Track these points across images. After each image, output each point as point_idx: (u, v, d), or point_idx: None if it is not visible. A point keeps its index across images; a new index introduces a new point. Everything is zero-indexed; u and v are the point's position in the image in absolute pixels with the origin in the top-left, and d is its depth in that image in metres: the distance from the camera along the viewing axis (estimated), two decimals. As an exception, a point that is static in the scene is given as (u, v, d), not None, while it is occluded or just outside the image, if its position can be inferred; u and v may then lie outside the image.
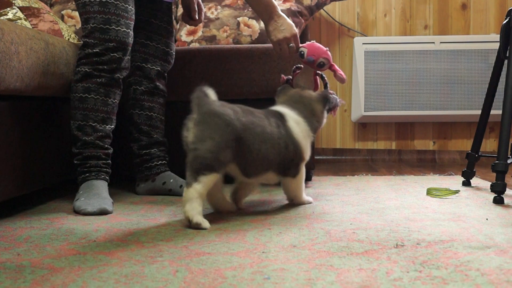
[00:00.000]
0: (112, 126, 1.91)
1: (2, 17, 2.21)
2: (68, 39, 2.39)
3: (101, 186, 1.83)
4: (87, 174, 1.86)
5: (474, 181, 2.38)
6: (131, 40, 1.87)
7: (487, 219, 1.59)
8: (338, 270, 1.10)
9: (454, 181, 2.42)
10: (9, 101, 1.68)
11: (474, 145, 2.25)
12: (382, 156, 3.45)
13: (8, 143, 1.65)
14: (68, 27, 2.60)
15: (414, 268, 1.11)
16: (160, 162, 2.09)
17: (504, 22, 2.05)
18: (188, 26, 2.99)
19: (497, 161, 1.89)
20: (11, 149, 1.67)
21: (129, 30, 1.85)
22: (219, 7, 3.02)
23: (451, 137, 3.46)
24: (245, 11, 2.98)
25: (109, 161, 1.91)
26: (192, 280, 1.05)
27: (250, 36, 2.91)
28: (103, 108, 1.85)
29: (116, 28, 1.82)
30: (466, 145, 3.45)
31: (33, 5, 2.36)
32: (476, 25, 3.43)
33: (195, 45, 2.91)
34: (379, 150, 3.46)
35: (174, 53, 2.16)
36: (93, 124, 1.85)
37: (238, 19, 2.96)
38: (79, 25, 2.97)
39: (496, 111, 3.13)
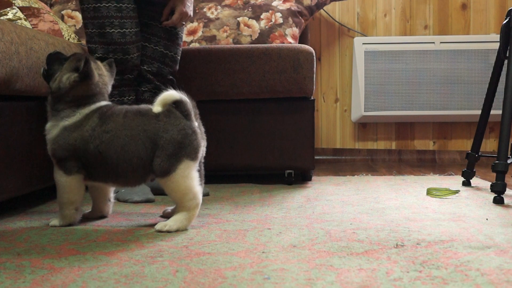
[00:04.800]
0: None
1: (2, 17, 2.21)
2: (68, 39, 2.39)
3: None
4: None
5: (474, 181, 2.38)
6: (130, 38, 1.90)
7: (487, 219, 1.59)
8: (338, 270, 1.10)
9: (454, 181, 2.42)
10: (9, 101, 1.67)
11: (474, 145, 2.25)
12: (382, 156, 3.45)
13: (8, 143, 1.65)
14: (68, 27, 2.59)
15: (414, 268, 1.11)
16: None
17: (504, 22, 2.05)
18: (188, 26, 2.99)
19: (497, 161, 1.89)
20: (11, 149, 1.67)
21: (124, 29, 1.88)
22: (219, 7, 3.02)
23: (451, 137, 3.46)
24: (245, 11, 2.98)
25: None
26: (192, 280, 1.05)
27: (250, 36, 2.91)
28: None
29: (111, 31, 1.87)
30: (466, 145, 3.45)
31: (33, 5, 2.36)
32: (476, 25, 3.43)
33: (195, 45, 2.91)
34: (379, 150, 3.46)
35: (176, 56, 2.11)
36: None
37: (238, 19, 2.96)
38: (79, 25, 2.97)
39: (496, 111, 3.13)
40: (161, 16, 2.06)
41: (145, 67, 2.07)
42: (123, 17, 1.89)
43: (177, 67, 2.14)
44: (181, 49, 2.15)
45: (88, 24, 1.91)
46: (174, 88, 2.09)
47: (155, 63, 2.08)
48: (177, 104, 1.49)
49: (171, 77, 2.12)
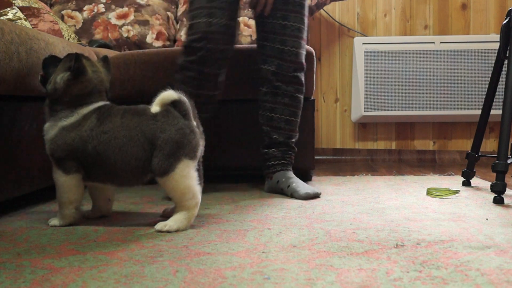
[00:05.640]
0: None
1: (2, 17, 2.21)
2: (68, 39, 2.39)
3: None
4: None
5: (474, 181, 2.38)
6: (216, 28, 1.91)
7: (487, 219, 1.59)
8: (338, 270, 1.10)
9: (454, 181, 2.42)
10: (9, 101, 1.68)
11: (474, 145, 2.25)
12: (382, 156, 3.45)
13: (8, 143, 1.65)
14: (68, 27, 2.60)
15: (414, 268, 1.11)
16: (276, 162, 2.11)
17: (504, 22, 2.05)
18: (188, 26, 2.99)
19: (497, 161, 1.89)
20: (11, 149, 1.67)
21: (212, 18, 1.90)
22: (219, 7, 3.02)
23: (451, 137, 3.46)
24: (245, 11, 2.98)
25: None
26: (192, 280, 1.05)
27: (250, 36, 2.91)
28: (195, 99, 1.87)
29: (198, 21, 1.92)
30: (466, 145, 3.45)
31: (33, 5, 2.36)
32: (476, 25, 3.43)
33: (195, 45, 2.91)
34: (379, 150, 3.46)
35: (295, 49, 2.04)
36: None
37: (238, 19, 2.96)
38: (79, 25, 2.97)
39: (496, 111, 3.13)
40: (275, 10, 2.01)
41: (265, 66, 2.05)
42: (213, 7, 1.90)
43: (302, 61, 2.07)
44: (303, 42, 2.06)
45: (187, 21, 1.97)
46: (301, 86, 2.07)
47: (275, 60, 2.03)
48: (175, 104, 1.49)
49: (295, 73, 2.06)
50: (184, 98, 1.50)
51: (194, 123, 1.51)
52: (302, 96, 2.11)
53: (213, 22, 1.90)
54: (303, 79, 2.09)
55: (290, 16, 2.02)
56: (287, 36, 2.02)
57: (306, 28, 2.07)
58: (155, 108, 1.49)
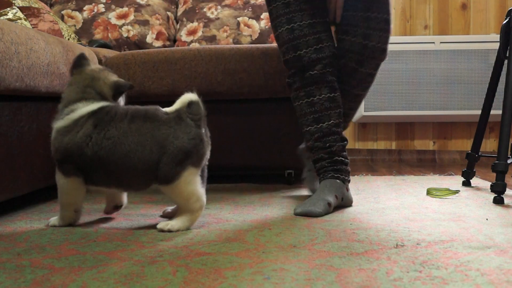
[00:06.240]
0: (331, 121, 1.80)
1: (2, 17, 2.21)
2: (68, 39, 2.39)
3: (325, 186, 1.77)
4: (320, 176, 1.84)
5: (474, 181, 2.38)
6: (299, 32, 1.78)
7: (487, 219, 1.59)
8: (338, 270, 1.10)
9: (454, 181, 2.42)
10: (9, 101, 1.68)
11: (474, 145, 2.25)
12: (382, 156, 3.45)
13: (8, 143, 1.65)
14: (68, 27, 2.60)
15: (414, 268, 1.11)
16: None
17: (504, 22, 2.05)
18: (188, 26, 2.99)
19: (497, 161, 1.89)
20: (11, 149, 1.67)
21: (292, 24, 1.79)
22: (219, 7, 3.02)
23: (451, 137, 3.46)
24: (245, 11, 2.98)
25: (337, 157, 1.81)
26: (192, 280, 1.05)
27: (250, 36, 2.91)
28: (310, 109, 1.82)
29: (280, 31, 1.82)
30: (466, 145, 3.45)
31: (33, 5, 2.36)
32: (476, 25, 3.43)
33: (195, 45, 2.92)
34: (379, 150, 3.46)
35: (380, 45, 1.82)
36: (307, 129, 1.84)
37: (238, 19, 2.96)
38: (79, 25, 2.97)
39: (496, 111, 3.13)
40: (356, 1, 1.82)
41: (343, 61, 1.87)
42: (291, 12, 1.78)
43: (384, 57, 1.86)
44: (388, 35, 1.83)
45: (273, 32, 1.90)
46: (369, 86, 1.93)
47: (354, 56, 1.84)
48: (191, 104, 1.47)
49: (373, 71, 1.88)
50: (200, 102, 1.48)
51: (203, 131, 1.50)
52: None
53: (294, 27, 1.78)
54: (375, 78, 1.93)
55: (371, 8, 1.80)
56: (372, 29, 1.81)
57: (392, 19, 1.85)
58: (170, 108, 1.48)
